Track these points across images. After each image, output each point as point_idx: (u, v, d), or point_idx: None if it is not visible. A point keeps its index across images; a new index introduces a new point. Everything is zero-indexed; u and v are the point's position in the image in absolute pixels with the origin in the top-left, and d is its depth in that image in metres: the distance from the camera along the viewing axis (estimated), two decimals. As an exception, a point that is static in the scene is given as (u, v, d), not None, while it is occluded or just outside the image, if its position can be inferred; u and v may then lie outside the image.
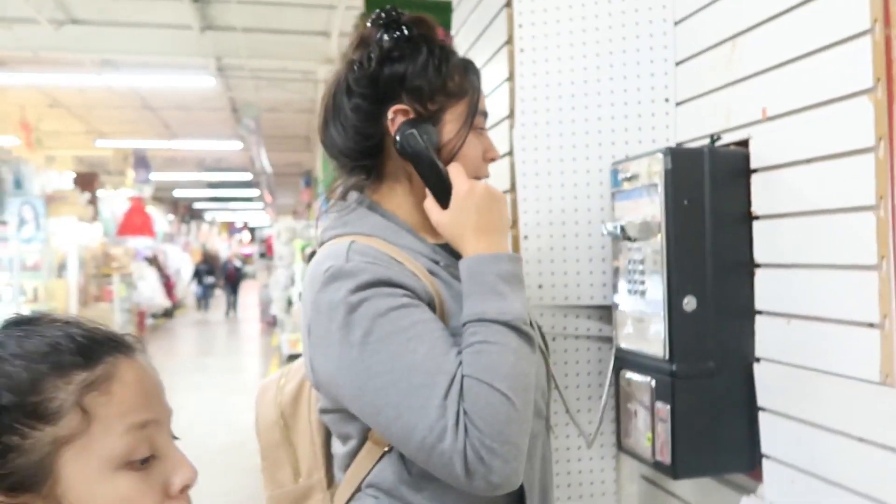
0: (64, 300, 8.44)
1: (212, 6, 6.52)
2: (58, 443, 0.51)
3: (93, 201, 10.90)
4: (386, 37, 0.95)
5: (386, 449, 0.90)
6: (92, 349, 0.56)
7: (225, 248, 22.60)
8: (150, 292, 13.07)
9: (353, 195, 1.00)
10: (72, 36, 6.49)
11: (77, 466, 0.52)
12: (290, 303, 8.35)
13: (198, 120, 10.90)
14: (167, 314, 14.46)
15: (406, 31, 0.95)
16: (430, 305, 0.89)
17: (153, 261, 14.04)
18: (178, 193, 19.10)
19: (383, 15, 0.96)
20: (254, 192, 17.59)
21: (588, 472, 1.46)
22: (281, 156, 12.78)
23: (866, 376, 0.92)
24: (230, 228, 28.98)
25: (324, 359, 0.87)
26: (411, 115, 0.95)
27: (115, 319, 9.24)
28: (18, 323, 0.57)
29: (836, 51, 0.96)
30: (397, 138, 0.94)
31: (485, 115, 1.01)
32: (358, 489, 0.94)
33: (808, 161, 1.01)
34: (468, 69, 0.99)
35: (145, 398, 0.58)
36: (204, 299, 15.62)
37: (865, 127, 0.91)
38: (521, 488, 0.88)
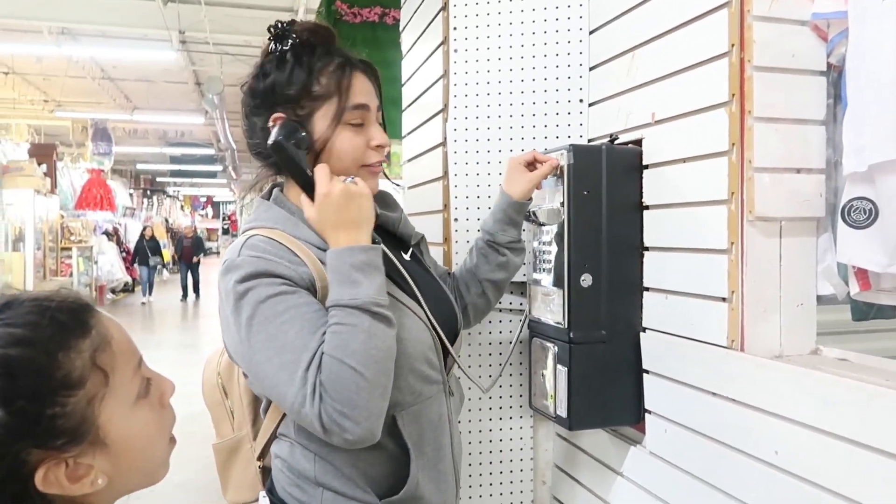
0: (20, 273, 8.35)
1: (175, -21, 6.46)
2: (90, 400, 0.64)
3: (50, 173, 10.70)
4: (269, 51, 1.08)
5: None
6: (79, 319, 0.67)
7: (186, 223, 22.25)
8: (110, 267, 12.93)
9: (276, 192, 1.14)
10: (27, 3, 6.38)
11: (109, 412, 0.66)
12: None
13: (160, 93, 10.75)
14: (127, 289, 14.30)
15: (290, 43, 1.06)
16: (312, 289, 1.02)
17: (113, 235, 13.84)
18: (140, 167, 18.78)
19: (272, 29, 1.08)
20: (217, 168, 17.39)
21: (508, 430, 1.64)
22: (245, 131, 12.66)
23: (718, 341, 1.11)
24: (194, 203, 28.58)
25: (227, 336, 1.04)
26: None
27: (74, 293, 9.15)
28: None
29: (703, 69, 1.13)
30: (268, 145, 1.05)
31: (363, 108, 1.08)
32: (273, 436, 1.14)
33: (684, 160, 1.19)
34: (345, 70, 1.07)
35: (129, 341, 0.72)
36: (148, 283, 13.25)
37: (722, 134, 1.09)
38: (405, 443, 1.06)
